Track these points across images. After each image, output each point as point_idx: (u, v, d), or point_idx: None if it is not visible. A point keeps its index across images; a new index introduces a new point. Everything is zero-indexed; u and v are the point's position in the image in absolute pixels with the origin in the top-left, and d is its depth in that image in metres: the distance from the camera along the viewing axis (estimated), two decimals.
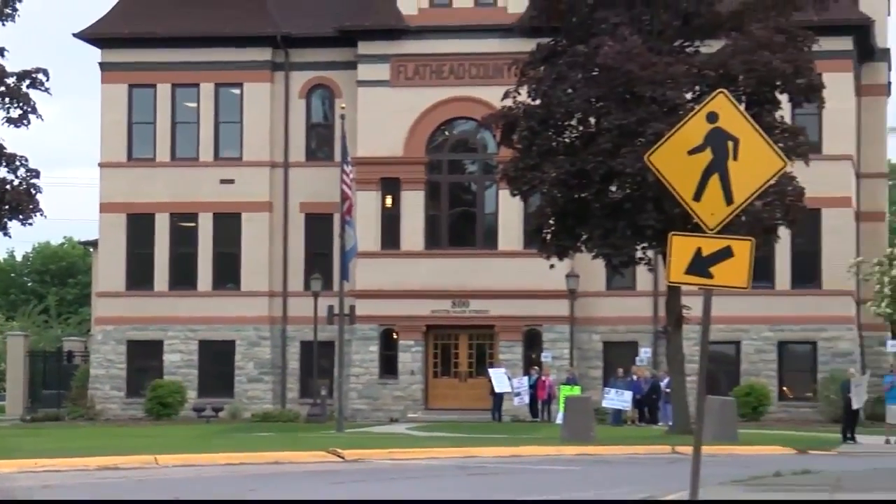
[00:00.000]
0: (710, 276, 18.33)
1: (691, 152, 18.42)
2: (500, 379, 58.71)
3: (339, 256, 53.42)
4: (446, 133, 64.56)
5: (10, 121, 51.86)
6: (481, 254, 62.87)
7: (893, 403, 48.53)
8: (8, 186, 51.27)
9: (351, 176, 51.99)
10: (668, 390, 51.70)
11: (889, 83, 67.95)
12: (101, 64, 66.34)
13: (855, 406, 48.11)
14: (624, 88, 44.28)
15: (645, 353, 59.72)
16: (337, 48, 64.45)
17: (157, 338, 64.61)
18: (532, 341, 62.95)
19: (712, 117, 18.45)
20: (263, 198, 64.83)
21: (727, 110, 18.57)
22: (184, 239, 65.56)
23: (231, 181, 64.96)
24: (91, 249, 72.79)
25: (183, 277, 65.44)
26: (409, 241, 63.06)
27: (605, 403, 54.32)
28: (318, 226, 63.78)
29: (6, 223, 51.88)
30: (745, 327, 60.40)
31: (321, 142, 65.90)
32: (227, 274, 65.03)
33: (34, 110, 52.28)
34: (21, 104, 51.86)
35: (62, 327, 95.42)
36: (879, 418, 50.81)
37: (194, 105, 66.07)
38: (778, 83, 45.49)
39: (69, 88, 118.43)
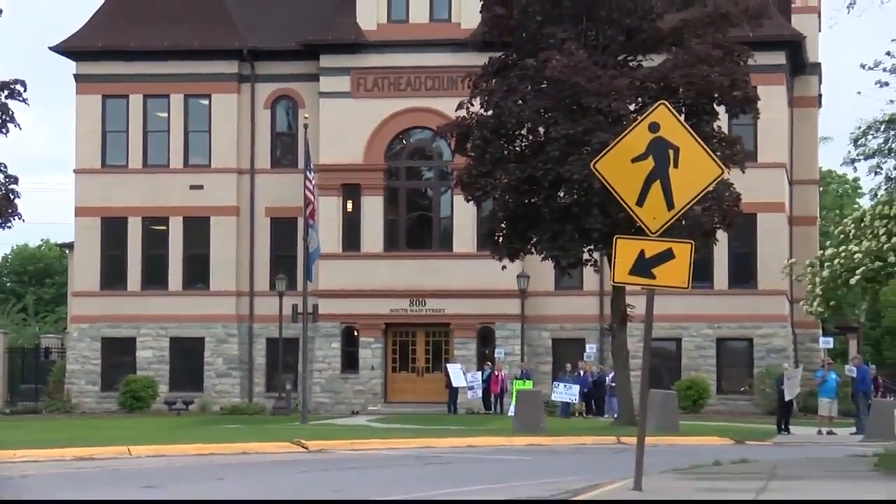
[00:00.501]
0: (652, 276, 18.39)
1: (634, 160, 18.47)
2: (456, 374, 58.70)
3: (302, 258, 53.43)
4: (404, 142, 64.56)
5: None
6: (437, 256, 62.89)
7: (824, 396, 48.78)
8: None
9: (314, 182, 51.98)
10: (613, 384, 51.80)
11: (820, 95, 68.27)
12: (75, 76, 66.10)
13: (787, 397, 48.29)
14: (571, 100, 44.32)
15: (591, 349, 59.76)
16: (300, 61, 64.38)
17: (130, 335, 64.44)
18: (485, 338, 63.00)
19: (654, 127, 18.50)
20: (231, 202, 64.70)
21: (668, 121, 18.63)
22: (155, 241, 65.38)
23: (200, 187, 64.82)
24: (67, 251, 72.48)
25: (154, 278, 65.25)
26: (369, 243, 63.03)
27: (554, 397, 54.33)
28: (283, 229, 63.69)
29: None
30: (685, 325, 60.58)
31: (285, 150, 65.81)
32: (197, 274, 64.88)
33: (12, 119, 52.11)
34: (1, 115, 51.65)
35: (40, 325, 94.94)
36: (812, 410, 51.08)
37: (165, 115, 65.89)
38: (715, 95, 45.61)
39: (45, 98, 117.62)
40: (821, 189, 73.78)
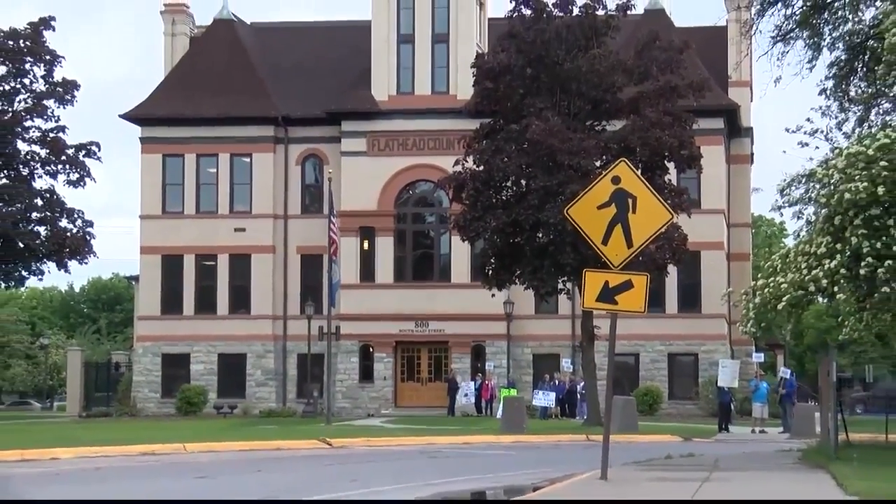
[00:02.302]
0: (615, 302, 18.38)
1: (600, 207, 18.48)
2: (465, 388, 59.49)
3: (327, 288, 53.41)
4: (410, 192, 64.59)
5: (70, 182, 51.86)
6: (438, 286, 62.86)
7: (757, 402, 48.74)
8: (68, 234, 51.11)
9: (336, 225, 51.95)
10: (583, 392, 51.67)
11: (752, 154, 68.37)
12: (140, 138, 66.15)
13: (720, 384, 48.26)
14: (547, 158, 44.38)
15: (566, 363, 59.70)
16: (325, 126, 64.46)
17: (185, 352, 64.37)
18: (478, 354, 62.93)
19: (616, 180, 18.51)
20: (268, 242, 64.74)
21: (627, 175, 18.65)
22: (206, 275, 65.37)
23: (243, 229, 64.86)
24: (133, 283, 72.45)
25: (205, 305, 65.19)
26: (382, 276, 63.02)
27: (534, 402, 54.22)
28: (311, 264, 63.64)
29: (66, 263, 51.72)
30: (642, 343, 60.48)
31: (313, 199, 65.85)
32: (240, 302, 64.82)
33: (89, 174, 52.27)
34: (79, 170, 51.78)
35: (111, 344, 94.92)
36: (747, 413, 50.99)
37: (214, 170, 65.94)
38: (666, 154, 45.70)
39: (116, 155, 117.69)
40: (753, 231, 73.77)
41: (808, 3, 29.28)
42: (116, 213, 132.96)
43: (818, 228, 25.76)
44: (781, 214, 35.70)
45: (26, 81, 52.09)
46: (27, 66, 51.94)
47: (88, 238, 52.60)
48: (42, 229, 51.54)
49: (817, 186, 25.88)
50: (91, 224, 53.06)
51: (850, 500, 14.76)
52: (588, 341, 46.87)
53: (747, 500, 15.57)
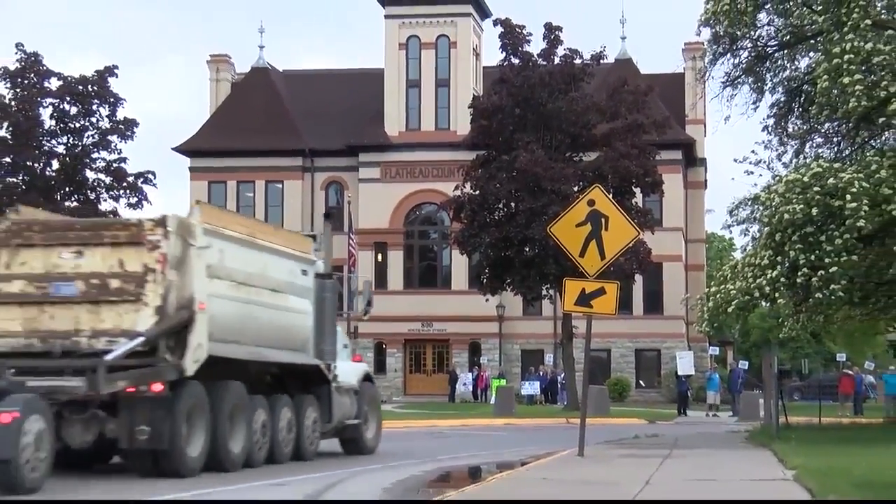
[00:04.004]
0: (590, 306, 18.39)
1: (578, 225, 18.50)
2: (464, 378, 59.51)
3: (346, 294, 53.23)
4: (417, 213, 64.65)
5: (130, 205, 51.83)
6: (440, 292, 62.88)
7: (710, 390, 48.74)
8: None
9: (355, 241, 52.07)
10: (563, 381, 51.67)
11: (706, 180, 68.44)
12: (189, 168, 66.32)
13: (679, 372, 48.28)
14: (533, 184, 44.44)
15: (548, 357, 59.74)
16: (345, 157, 64.54)
17: None
18: (474, 350, 62.92)
19: (591, 203, 18.53)
20: None
21: (601, 198, 18.67)
22: None
23: None
24: None
25: None
26: (393, 283, 63.00)
27: (522, 390, 54.24)
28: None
29: None
30: (613, 340, 60.46)
31: (335, 219, 65.66)
32: None
33: (146, 198, 52.18)
34: (137, 194, 51.78)
35: None
36: (702, 400, 50.99)
37: (251, 195, 65.99)
38: (633, 180, 45.76)
39: (169, 182, 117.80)
40: (706, 246, 73.79)
41: (753, 54, 29.35)
42: None
43: (762, 244, 25.79)
44: (731, 232, 35.85)
45: (93, 120, 52.08)
46: (94, 106, 51.93)
47: None
48: None
49: (761, 208, 25.93)
50: None
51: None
52: (567, 339, 46.90)
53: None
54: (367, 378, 22.94)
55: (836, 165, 24.93)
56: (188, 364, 16.00)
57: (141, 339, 15.64)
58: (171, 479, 15.65)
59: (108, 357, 15.33)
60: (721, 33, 27.67)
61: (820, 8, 25.63)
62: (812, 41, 27.97)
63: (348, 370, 21.92)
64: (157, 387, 15.65)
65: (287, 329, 19.05)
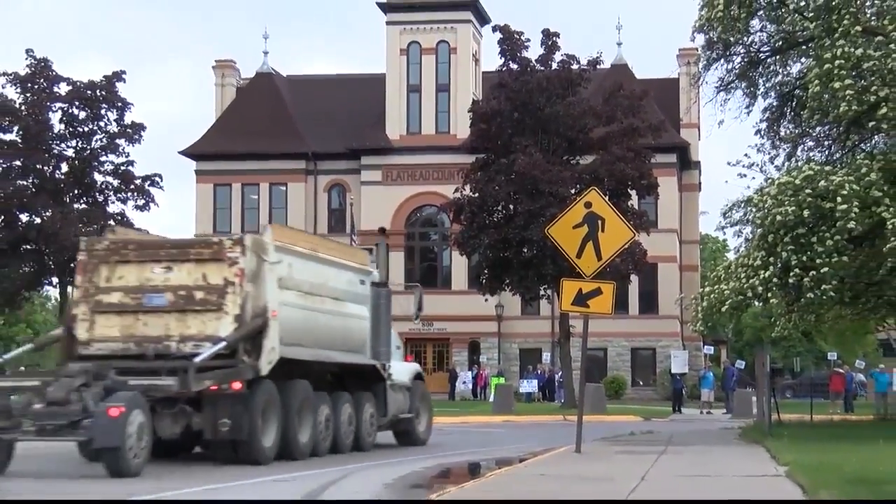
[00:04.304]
0: (587, 306, 18.38)
1: (575, 227, 18.49)
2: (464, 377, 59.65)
3: None
4: (418, 215, 64.65)
5: (137, 207, 51.93)
6: (441, 292, 62.76)
7: (704, 388, 48.74)
8: None
9: (357, 242, 52.04)
10: (560, 380, 51.67)
11: (700, 183, 68.41)
12: (196, 171, 66.33)
13: (673, 370, 48.27)
14: (531, 186, 44.43)
15: (546, 356, 59.73)
16: (347, 160, 64.55)
17: None
18: (474, 348, 62.93)
19: (588, 205, 18.53)
20: None
21: (597, 201, 18.67)
22: None
23: None
24: None
25: None
26: (394, 284, 62.95)
27: (520, 388, 54.26)
28: None
29: None
30: (610, 339, 60.47)
31: (338, 220, 65.83)
32: None
33: (153, 200, 52.22)
34: (145, 197, 51.80)
35: None
36: (697, 397, 51.00)
37: (256, 197, 66.05)
38: (629, 183, 45.76)
39: (175, 185, 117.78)
40: (700, 247, 73.80)
41: (746, 60, 29.35)
42: (175, 232, 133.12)
43: (754, 245, 25.79)
44: (724, 233, 35.72)
45: (102, 124, 52.11)
46: (103, 111, 51.96)
47: None
48: None
49: (754, 210, 25.91)
50: None
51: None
52: (565, 338, 46.88)
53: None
54: (418, 376, 24.99)
55: (827, 168, 24.95)
56: (263, 365, 17.85)
57: (223, 343, 17.56)
58: (248, 465, 17.30)
59: (197, 359, 17.15)
60: (715, 39, 27.67)
61: (811, 15, 25.66)
62: (804, 47, 27.99)
63: (401, 369, 24.04)
64: (237, 385, 17.41)
65: (347, 333, 20.92)
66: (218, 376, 17.35)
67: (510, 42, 47.48)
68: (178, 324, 18.01)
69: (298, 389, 19.02)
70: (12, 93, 51.18)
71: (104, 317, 18.27)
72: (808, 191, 23.62)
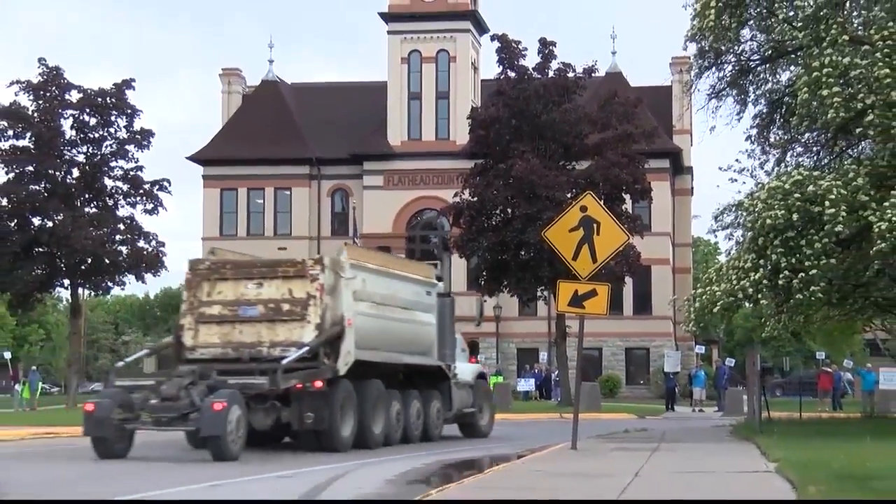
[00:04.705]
0: (583, 307, 18.38)
1: (571, 230, 18.50)
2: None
3: None
4: (418, 218, 64.68)
5: (146, 211, 51.78)
6: None
7: (696, 386, 48.74)
8: (145, 253, 51.10)
9: (359, 245, 52.03)
10: (557, 378, 51.68)
11: (692, 187, 68.49)
12: (203, 176, 66.37)
13: (666, 369, 48.22)
14: (528, 191, 44.46)
15: (543, 355, 59.72)
16: (350, 165, 64.60)
17: None
18: (472, 348, 62.69)
19: (583, 209, 18.53)
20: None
21: (592, 205, 18.68)
22: None
23: (284, 248, 64.60)
24: None
25: None
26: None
27: (518, 387, 54.24)
28: None
29: (143, 275, 51.71)
30: (605, 339, 60.51)
31: (341, 224, 65.88)
32: None
33: (161, 204, 52.10)
34: (153, 201, 51.73)
35: None
36: (689, 395, 51.00)
37: (261, 202, 66.12)
38: (623, 188, 45.78)
39: (183, 189, 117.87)
40: (693, 249, 73.85)
41: (737, 68, 29.37)
42: (183, 235, 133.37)
43: (745, 247, 25.79)
44: (716, 236, 35.88)
45: (112, 130, 52.00)
46: (112, 118, 51.86)
47: (161, 255, 52.45)
48: (124, 249, 51.35)
49: (744, 214, 25.92)
50: (163, 244, 52.90)
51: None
52: (561, 338, 46.91)
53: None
54: (480, 376, 27.15)
55: (816, 173, 24.96)
56: (340, 366, 20.07)
57: (306, 348, 19.81)
58: (329, 453, 19.38)
59: (284, 362, 19.46)
60: (706, 48, 27.69)
61: (800, 24, 25.68)
62: (792, 56, 28.00)
63: (465, 369, 26.29)
64: (318, 383, 19.55)
65: (415, 337, 23.10)
66: (302, 376, 19.48)
67: (508, 51, 47.51)
68: (268, 332, 20.29)
69: (372, 387, 21.14)
70: (25, 100, 51.12)
71: (206, 326, 20.74)
72: (797, 195, 23.63)
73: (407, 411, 22.61)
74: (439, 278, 25.33)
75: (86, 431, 18.78)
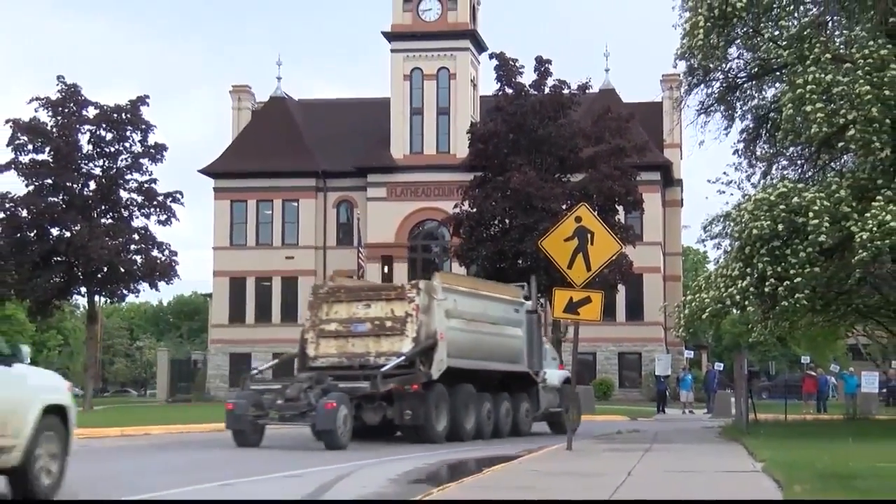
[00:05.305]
0: (578, 313, 18.40)
1: (566, 240, 18.52)
2: None
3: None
4: (420, 228, 64.66)
5: (160, 222, 51.76)
6: None
7: (684, 389, 48.68)
8: (158, 262, 51.11)
9: (363, 254, 52.08)
10: None
11: (682, 199, 68.48)
12: (214, 188, 66.38)
13: (657, 373, 48.13)
14: (525, 202, 44.45)
15: None
16: (355, 178, 64.58)
17: (247, 352, 64.16)
18: None
19: (578, 219, 18.56)
20: (311, 268, 64.72)
21: (587, 216, 18.70)
22: (263, 293, 65.35)
23: (292, 258, 64.89)
24: (208, 298, 72.45)
25: (263, 315, 65.17)
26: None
27: None
28: None
29: (157, 283, 51.72)
30: (599, 344, 60.42)
31: (346, 234, 65.86)
32: (290, 313, 64.59)
33: (174, 216, 52.08)
34: (166, 212, 51.74)
35: (190, 345, 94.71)
36: (678, 398, 50.95)
37: (269, 213, 66.07)
38: (616, 199, 45.77)
39: (195, 201, 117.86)
40: (682, 258, 73.79)
41: (724, 85, 29.42)
42: (195, 245, 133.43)
43: (733, 256, 25.81)
44: (704, 245, 35.73)
45: (127, 145, 52.02)
46: (128, 133, 51.89)
47: (174, 264, 52.43)
48: (138, 258, 51.34)
49: (732, 224, 25.93)
50: (176, 254, 52.87)
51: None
52: (556, 343, 46.80)
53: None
54: (567, 381, 29.19)
55: (800, 186, 25.00)
56: (434, 372, 23.17)
57: (402, 357, 23.00)
58: (425, 444, 22.14)
59: (383, 369, 22.67)
60: (695, 66, 27.74)
61: (784, 43, 25.73)
62: (778, 73, 28.06)
63: (554, 375, 29.10)
64: (415, 386, 22.66)
65: (503, 348, 25.71)
66: (399, 380, 22.63)
67: (506, 68, 47.55)
68: (375, 344, 23.56)
69: (463, 390, 24.05)
70: (45, 116, 51.18)
71: (325, 340, 24.11)
72: (782, 206, 23.67)
73: (497, 410, 25.38)
74: (527, 297, 27.74)
75: (227, 425, 22.37)
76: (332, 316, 24.20)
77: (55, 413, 11.78)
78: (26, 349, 11.75)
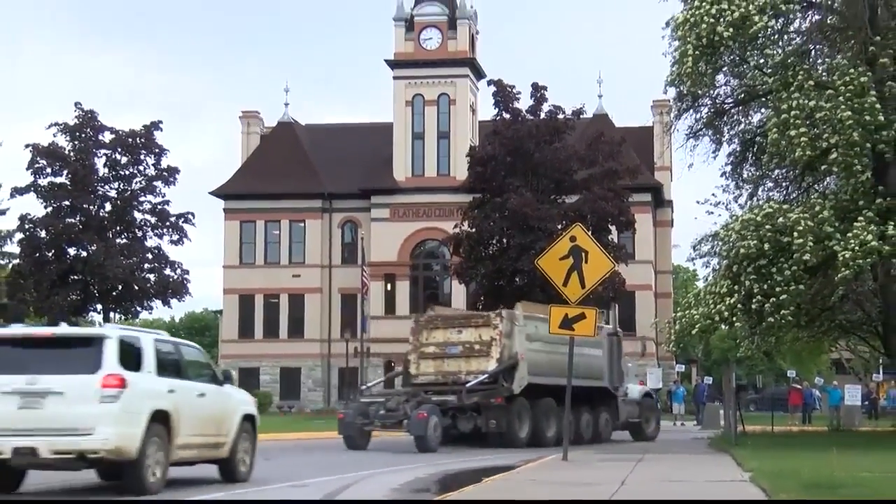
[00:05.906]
0: (573, 329, 18.43)
1: (561, 259, 18.56)
2: None
3: (360, 319, 53.32)
4: (421, 248, 64.61)
5: (172, 242, 51.96)
6: None
7: (676, 402, 48.58)
8: (171, 280, 51.20)
9: (367, 272, 52.08)
10: None
11: (672, 219, 68.45)
12: (224, 209, 66.39)
13: (649, 386, 47.87)
14: (522, 222, 44.46)
15: None
16: (359, 199, 64.54)
17: (255, 366, 64.09)
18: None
19: (573, 239, 18.61)
20: (317, 285, 64.68)
21: (581, 235, 18.75)
22: (271, 309, 65.25)
23: (298, 276, 64.84)
24: (218, 314, 72.41)
25: (271, 331, 65.05)
26: (400, 310, 62.70)
27: None
28: (349, 301, 63.38)
29: (169, 301, 51.80)
30: None
31: (350, 253, 65.77)
32: (296, 329, 64.60)
33: (186, 235, 52.26)
34: (179, 232, 51.88)
35: None
36: (669, 410, 50.86)
37: (277, 233, 66.00)
38: (609, 220, 45.78)
39: (206, 221, 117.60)
40: (673, 276, 73.75)
41: (712, 110, 29.54)
42: (206, 263, 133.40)
43: (721, 274, 25.86)
44: (694, 264, 35.94)
45: (141, 168, 52.24)
46: (142, 156, 52.11)
47: (185, 282, 52.55)
48: (152, 276, 51.46)
49: (720, 243, 26.00)
50: (187, 272, 53.01)
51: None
52: None
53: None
54: (647, 395, 32.48)
55: (785, 206, 25.08)
56: (515, 387, 25.90)
57: (486, 375, 25.84)
58: (508, 448, 24.57)
59: (468, 385, 25.56)
60: (685, 92, 27.86)
61: (770, 71, 25.86)
62: (763, 99, 28.17)
63: (633, 389, 31.95)
64: (498, 399, 25.48)
65: (583, 366, 26.40)
66: (483, 395, 25.46)
67: (503, 94, 47.65)
68: (465, 364, 26.39)
69: (544, 403, 26.37)
70: (63, 141, 51.39)
71: (425, 360, 27.08)
72: (768, 226, 23.74)
73: (578, 421, 27.24)
74: (606, 322, 29.91)
75: (339, 432, 25.61)
76: (430, 340, 27.18)
77: (248, 420, 15.63)
78: (234, 374, 14.18)
